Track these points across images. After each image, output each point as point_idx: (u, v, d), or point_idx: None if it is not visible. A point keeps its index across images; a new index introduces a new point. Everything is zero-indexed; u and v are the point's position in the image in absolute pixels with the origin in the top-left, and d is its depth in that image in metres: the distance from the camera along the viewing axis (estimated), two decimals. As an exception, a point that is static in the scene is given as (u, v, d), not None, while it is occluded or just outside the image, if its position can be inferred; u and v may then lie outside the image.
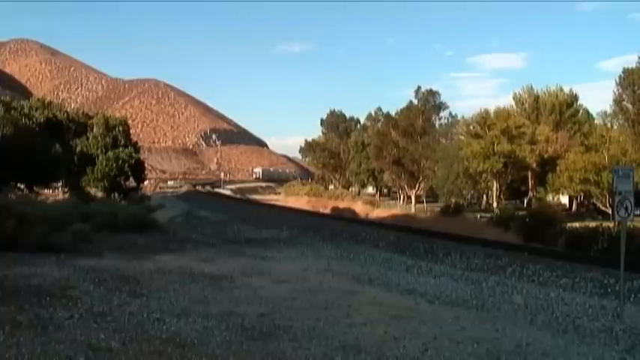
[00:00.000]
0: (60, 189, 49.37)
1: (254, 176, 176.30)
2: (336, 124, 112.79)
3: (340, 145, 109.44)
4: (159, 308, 8.30)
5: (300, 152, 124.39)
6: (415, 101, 79.63)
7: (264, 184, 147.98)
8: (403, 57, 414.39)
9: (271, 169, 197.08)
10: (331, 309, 8.92)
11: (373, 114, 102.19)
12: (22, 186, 36.72)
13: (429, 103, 78.87)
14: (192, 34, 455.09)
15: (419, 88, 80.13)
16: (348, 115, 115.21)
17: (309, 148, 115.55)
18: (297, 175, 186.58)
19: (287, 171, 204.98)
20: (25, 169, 33.44)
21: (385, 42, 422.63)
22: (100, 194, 45.19)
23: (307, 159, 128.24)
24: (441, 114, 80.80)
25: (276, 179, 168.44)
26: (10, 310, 7.52)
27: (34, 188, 38.43)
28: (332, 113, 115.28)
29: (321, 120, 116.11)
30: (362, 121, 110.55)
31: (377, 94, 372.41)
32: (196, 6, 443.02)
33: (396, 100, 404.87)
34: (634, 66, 55.23)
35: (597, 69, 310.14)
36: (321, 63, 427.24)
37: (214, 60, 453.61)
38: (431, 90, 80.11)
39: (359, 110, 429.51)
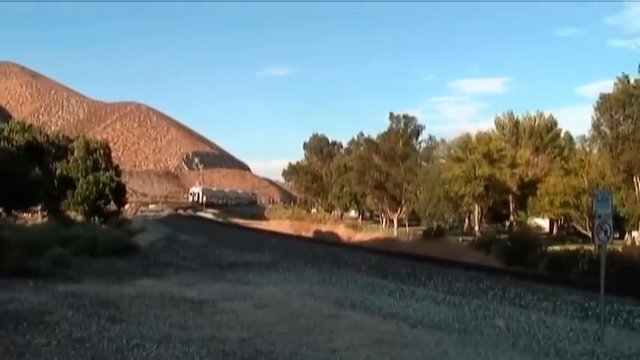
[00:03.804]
0: (39, 213, 48.85)
1: (191, 198, 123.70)
2: (320, 147, 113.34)
3: (323, 168, 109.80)
4: (139, 334, 8.19)
5: (283, 175, 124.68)
6: (392, 126, 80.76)
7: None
8: (385, 81, 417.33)
9: (213, 188, 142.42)
10: (313, 333, 8.85)
11: (356, 138, 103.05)
12: (0, 210, 36.32)
13: (408, 127, 79.94)
14: (174, 57, 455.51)
15: (391, 114, 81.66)
16: (331, 139, 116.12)
17: (293, 171, 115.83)
18: (255, 198, 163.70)
19: (239, 192, 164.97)
20: (3, 192, 33.08)
21: (367, 66, 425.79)
22: (80, 218, 44.82)
23: (290, 183, 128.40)
24: (420, 137, 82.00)
25: (222, 202, 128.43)
26: (-15, 336, 7.38)
27: (13, 212, 38.02)
28: (315, 137, 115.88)
29: (304, 143, 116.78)
30: (345, 145, 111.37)
31: (359, 118, 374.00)
32: (179, 29, 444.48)
33: (378, 124, 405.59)
34: (611, 91, 56.19)
35: (575, 94, 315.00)
36: (303, 87, 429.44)
37: (196, 83, 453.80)
38: (405, 115, 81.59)
39: (342, 134, 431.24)
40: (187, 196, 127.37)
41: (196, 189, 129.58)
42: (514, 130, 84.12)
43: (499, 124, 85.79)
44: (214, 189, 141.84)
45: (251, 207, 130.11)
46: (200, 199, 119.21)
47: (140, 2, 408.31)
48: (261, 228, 65.90)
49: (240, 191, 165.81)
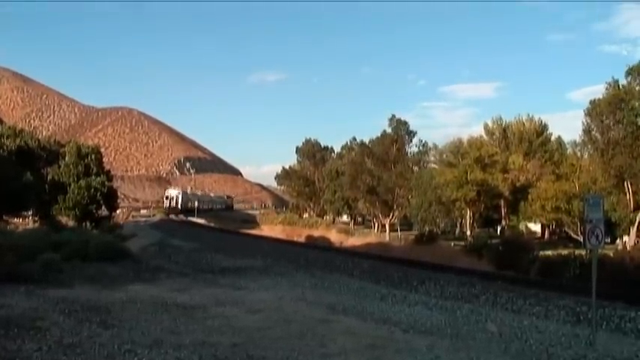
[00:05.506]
0: (30, 217, 48.69)
1: (167, 204, 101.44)
2: (312, 152, 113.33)
3: (315, 173, 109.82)
4: (130, 339, 8.15)
5: (275, 179, 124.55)
6: (389, 130, 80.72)
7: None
8: (377, 86, 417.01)
9: (189, 191, 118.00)
10: (305, 339, 8.84)
11: (348, 143, 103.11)
12: (-9, 215, 36.20)
13: (401, 131, 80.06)
14: (165, 62, 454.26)
15: (393, 116, 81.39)
16: (323, 144, 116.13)
17: (286, 175, 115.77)
18: (232, 203, 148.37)
19: (212, 195, 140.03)
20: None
21: (358, 71, 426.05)
22: (71, 223, 44.70)
23: (283, 187, 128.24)
24: (412, 141, 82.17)
25: (202, 207, 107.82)
26: (-24, 342, 7.33)
27: (4, 217, 37.87)
28: (307, 142, 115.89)
29: (297, 148, 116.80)
30: (337, 149, 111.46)
31: (351, 123, 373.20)
32: (170, 34, 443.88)
33: (370, 128, 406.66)
34: (601, 97, 56.49)
35: (567, 99, 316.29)
36: (295, 92, 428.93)
37: (188, 88, 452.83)
38: (399, 120, 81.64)
39: (334, 139, 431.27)
40: (164, 200, 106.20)
41: (173, 191, 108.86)
42: (503, 135, 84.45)
43: (488, 130, 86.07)
44: (189, 192, 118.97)
45: (227, 213, 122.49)
46: (179, 204, 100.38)
47: (132, 7, 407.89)
48: (254, 233, 65.77)
49: (212, 194, 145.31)
